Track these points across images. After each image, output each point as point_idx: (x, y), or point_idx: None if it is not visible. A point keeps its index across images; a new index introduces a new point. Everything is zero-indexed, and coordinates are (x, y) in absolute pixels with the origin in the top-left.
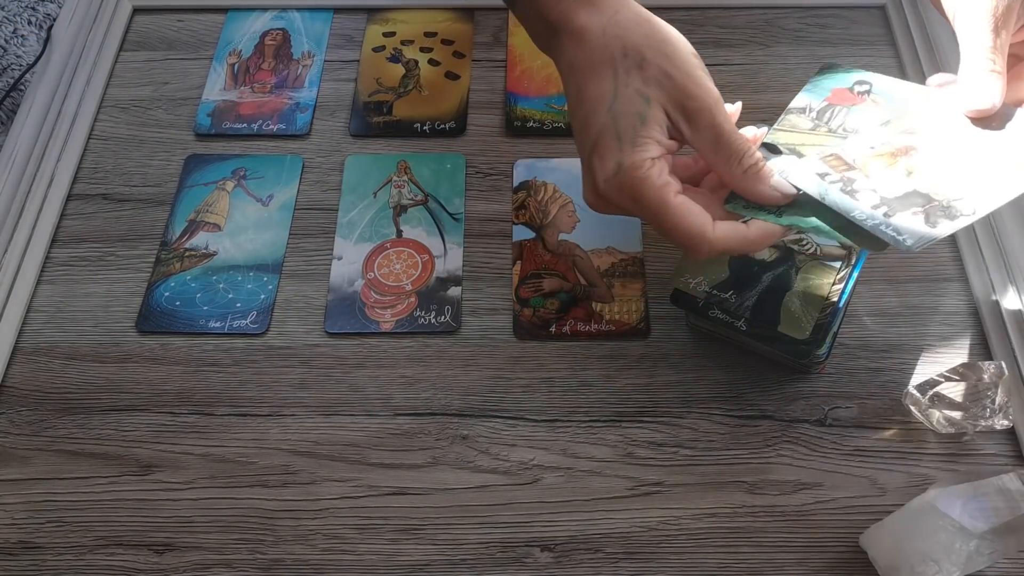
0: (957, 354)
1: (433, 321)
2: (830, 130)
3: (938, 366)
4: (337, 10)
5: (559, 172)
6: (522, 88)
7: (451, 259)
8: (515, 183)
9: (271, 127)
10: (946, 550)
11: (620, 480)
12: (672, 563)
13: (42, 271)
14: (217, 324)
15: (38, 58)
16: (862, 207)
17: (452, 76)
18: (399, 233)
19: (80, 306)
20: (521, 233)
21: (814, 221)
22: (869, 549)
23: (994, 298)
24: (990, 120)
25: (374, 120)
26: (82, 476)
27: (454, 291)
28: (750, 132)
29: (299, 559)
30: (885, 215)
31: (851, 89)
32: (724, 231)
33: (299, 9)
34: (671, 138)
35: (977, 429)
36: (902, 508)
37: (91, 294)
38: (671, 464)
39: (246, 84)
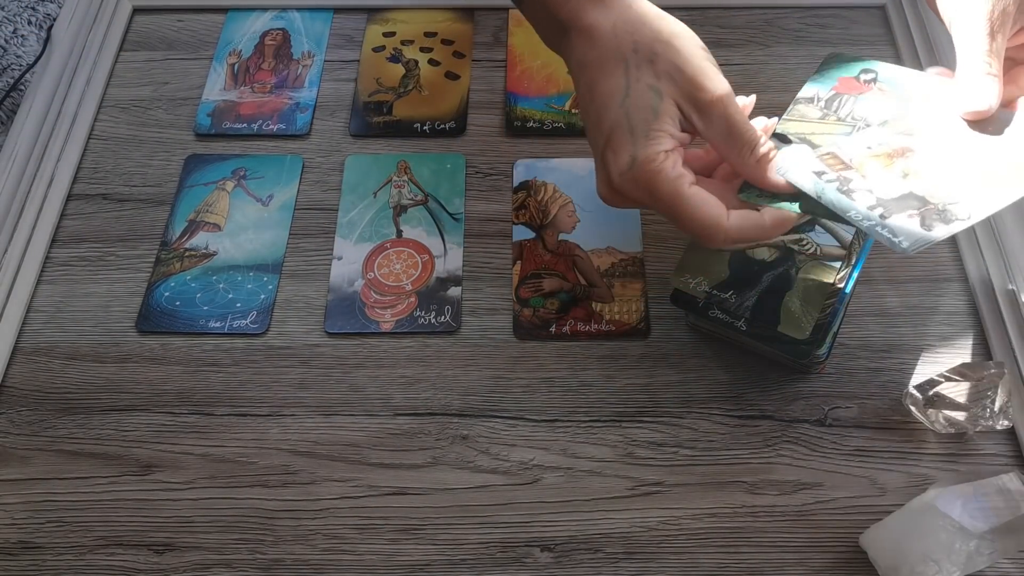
0: (957, 354)
1: (433, 321)
2: (839, 118)
3: (938, 366)
4: (337, 10)
5: (559, 172)
6: (522, 88)
7: (451, 259)
8: (515, 183)
9: (271, 127)
10: (946, 550)
11: (620, 480)
12: (672, 563)
13: (42, 271)
14: (217, 324)
15: (38, 58)
16: (858, 207)
17: (452, 76)
18: (399, 233)
19: (80, 306)
20: (521, 233)
21: (828, 208)
22: (869, 549)
23: (994, 298)
24: (986, 124)
25: (374, 120)
26: (82, 476)
27: (454, 291)
28: (760, 123)
29: (299, 559)
30: (881, 216)
31: (857, 78)
32: (739, 220)
33: (299, 9)
34: (683, 131)
35: (977, 429)
36: (902, 508)
37: (91, 294)
38: (671, 464)
39: (246, 84)
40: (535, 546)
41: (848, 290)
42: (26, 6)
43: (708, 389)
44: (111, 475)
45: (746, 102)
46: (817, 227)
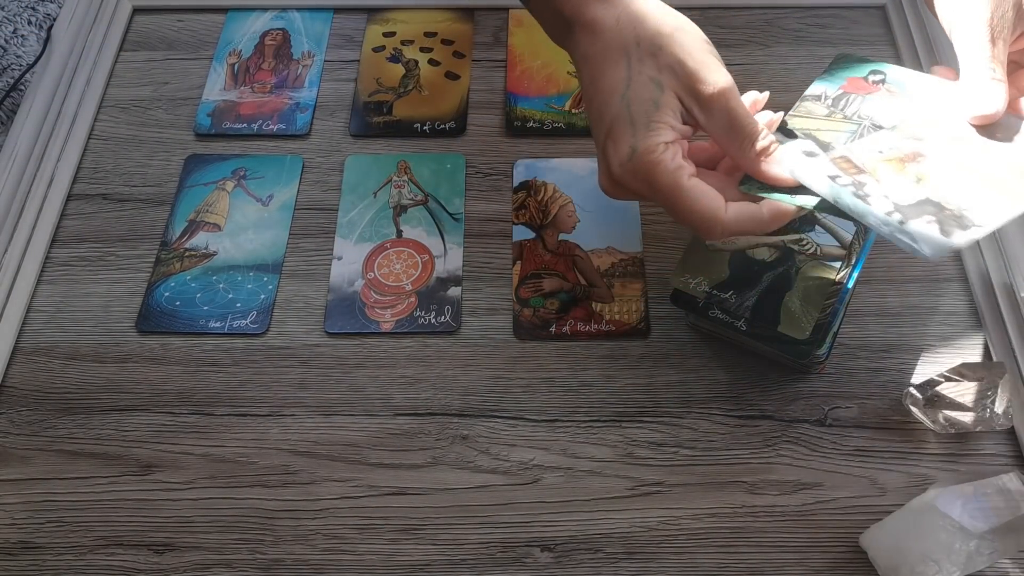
0: (957, 354)
1: (433, 321)
2: (845, 117)
3: (938, 366)
4: (337, 10)
5: (559, 172)
6: (522, 88)
7: (451, 259)
8: (515, 183)
9: (271, 127)
10: (946, 550)
11: (620, 480)
12: (672, 563)
13: (42, 271)
14: (217, 324)
15: (38, 58)
16: (876, 212)
17: (452, 76)
18: (399, 233)
19: (80, 306)
20: (521, 233)
21: (826, 200)
22: (869, 549)
23: (994, 298)
24: (994, 130)
25: (374, 120)
26: (82, 476)
27: (454, 291)
28: (765, 116)
29: (299, 559)
30: (900, 222)
31: (866, 78)
32: (736, 213)
33: (299, 9)
34: (685, 123)
35: (977, 429)
36: (902, 508)
37: (91, 294)
38: (671, 464)
39: (246, 84)
40: (535, 546)
41: (848, 290)
42: (26, 6)
43: (708, 389)
44: (111, 475)
45: (758, 98)
46: (817, 227)
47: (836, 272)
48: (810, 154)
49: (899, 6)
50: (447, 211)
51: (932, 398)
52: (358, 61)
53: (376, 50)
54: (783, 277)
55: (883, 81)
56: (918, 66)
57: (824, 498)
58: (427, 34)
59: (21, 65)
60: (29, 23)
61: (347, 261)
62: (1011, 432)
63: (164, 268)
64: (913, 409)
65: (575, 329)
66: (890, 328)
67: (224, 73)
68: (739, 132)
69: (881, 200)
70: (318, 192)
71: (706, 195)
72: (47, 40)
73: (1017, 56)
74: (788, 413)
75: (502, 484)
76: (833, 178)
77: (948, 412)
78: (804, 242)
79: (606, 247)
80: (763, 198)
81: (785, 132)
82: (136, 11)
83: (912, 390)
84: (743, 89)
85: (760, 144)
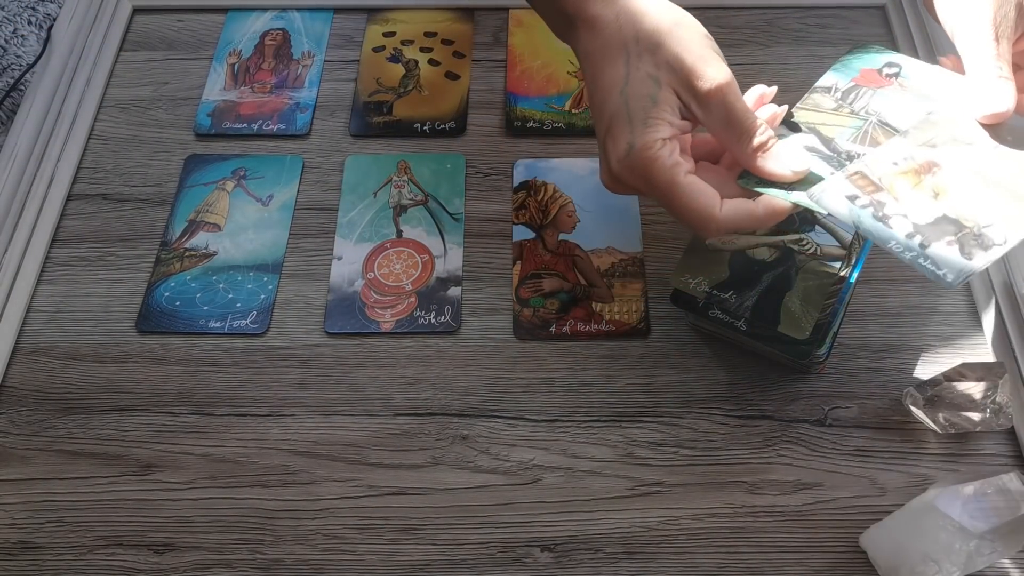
0: (957, 354)
1: (433, 321)
2: (852, 112)
3: (938, 366)
4: (337, 10)
5: (559, 172)
6: (522, 88)
7: (451, 259)
8: (515, 183)
9: (271, 127)
10: (946, 550)
11: (620, 480)
12: (672, 563)
13: (42, 271)
14: (217, 324)
15: (38, 58)
16: (898, 237)
17: (452, 76)
18: (399, 233)
19: (80, 306)
20: (521, 233)
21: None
22: (869, 549)
23: (994, 298)
24: (1003, 132)
25: (374, 120)
26: (82, 476)
27: (454, 291)
28: (768, 111)
29: (299, 559)
30: (921, 246)
31: (880, 71)
32: (731, 210)
33: (299, 9)
34: (684, 119)
35: (977, 429)
36: (902, 508)
37: (91, 294)
38: (671, 464)
39: (246, 84)
40: (535, 546)
41: (848, 290)
42: (26, 6)
43: (708, 389)
44: (111, 475)
45: (765, 92)
46: (817, 227)
47: (836, 272)
48: (811, 149)
49: (899, 6)
50: (447, 211)
51: (932, 398)
52: (358, 61)
53: (376, 50)
54: (783, 277)
55: (897, 75)
56: None
57: (824, 498)
58: (427, 34)
59: (21, 65)
60: (29, 23)
61: (347, 261)
62: (1011, 432)
63: (164, 268)
64: (913, 409)
65: (575, 329)
66: (890, 328)
67: (224, 73)
68: (736, 127)
69: (900, 221)
70: (318, 192)
71: (702, 192)
72: (47, 40)
73: (1018, 58)
74: (788, 413)
75: (502, 484)
76: (852, 199)
77: (948, 412)
78: (804, 242)
79: (606, 247)
80: (760, 193)
81: (789, 125)
82: (136, 11)
83: (912, 390)
84: (743, 90)
85: (757, 140)
